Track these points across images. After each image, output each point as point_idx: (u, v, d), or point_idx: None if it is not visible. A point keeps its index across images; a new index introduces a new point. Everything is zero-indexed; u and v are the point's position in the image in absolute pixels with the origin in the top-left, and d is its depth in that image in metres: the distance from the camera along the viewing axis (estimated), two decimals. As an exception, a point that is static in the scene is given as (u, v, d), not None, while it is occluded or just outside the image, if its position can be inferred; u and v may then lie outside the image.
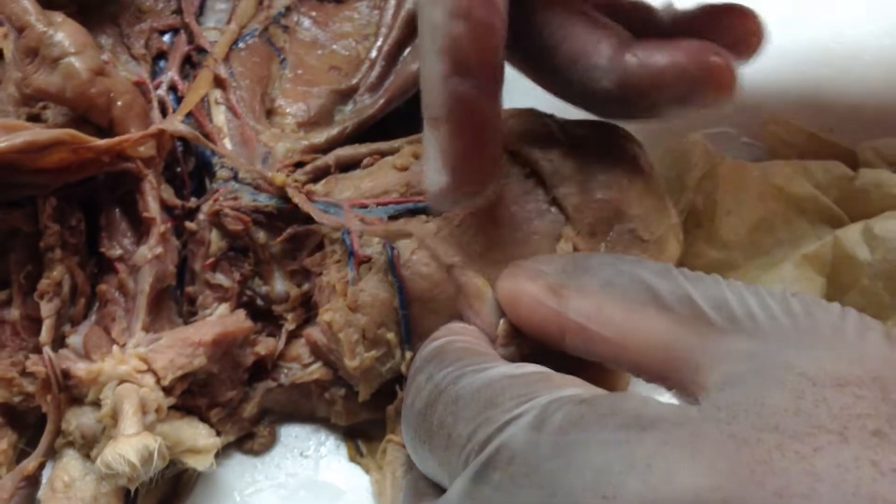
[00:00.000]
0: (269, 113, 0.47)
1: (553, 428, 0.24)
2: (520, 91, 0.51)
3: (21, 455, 0.40)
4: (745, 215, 0.41)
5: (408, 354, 0.38)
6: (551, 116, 0.42)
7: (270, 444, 0.41)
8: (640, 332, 0.28)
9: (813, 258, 0.39)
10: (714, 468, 0.21)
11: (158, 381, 0.37)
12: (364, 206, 0.40)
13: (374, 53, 0.49)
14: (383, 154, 0.44)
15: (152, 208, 0.40)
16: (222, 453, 0.40)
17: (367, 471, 0.40)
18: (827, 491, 0.20)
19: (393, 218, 0.39)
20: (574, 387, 0.27)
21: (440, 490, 0.29)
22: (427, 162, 0.34)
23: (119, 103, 0.41)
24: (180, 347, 0.38)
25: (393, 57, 0.50)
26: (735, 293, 0.27)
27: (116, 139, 0.39)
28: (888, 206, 0.39)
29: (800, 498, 0.20)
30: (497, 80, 0.33)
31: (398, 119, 0.50)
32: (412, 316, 0.38)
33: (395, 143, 0.44)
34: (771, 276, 0.39)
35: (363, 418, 0.41)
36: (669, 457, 0.22)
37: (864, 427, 0.21)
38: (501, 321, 0.33)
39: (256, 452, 0.41)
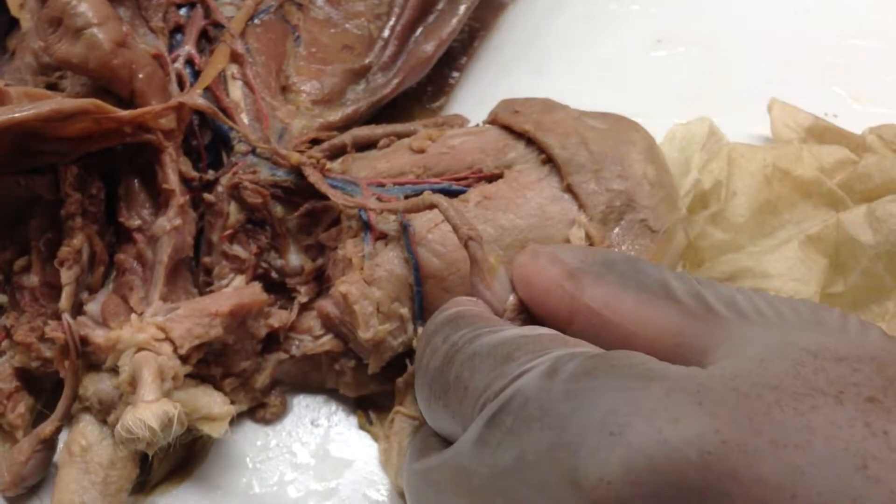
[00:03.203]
0: (284, 90, 0.48)
1: (565, 376, 0.26)
2: (523, 78, 0.53)
3: (38, 418, 0.41)
4: (750, 197, 0.42)
5: (420, 329, 0.39)
6: (567, 107, 0.43)
7: (282, 413, 0.42)
8: (651, 320, 0.29)
9: (816, 240, 0.40)
10: (716, 415, 0.23)
11: (176, 349, 0.38)
12: (381, 185, 0.41)
13: (386, 33, 0.50)
14: (399, 136, 0.44)
15: (172, 180, 0.41)
16: (235, 422, 0.41)
17: (376, 439, 0.41)
18: (820, 444, 0.22)
19: (409, 198, 0.40)
20: (586, 346, 0.28)
21: (449, 445, 0.30)
22: None
23: (140, 75, 0.42)
24: (198, 317, 0.39)
25: (405, 37, 0.50)
26: (744, 294, 0.28)
27: (139, 111, 0.40)
28: (891, 191, 0.40)
29: (794, 448, 0.22)
30: None
31: (408, 98, 0.51)
32: (426, 293, 0.39)
33: (410, 126, 0.45)
34: (775, 257, 0.40)
35: (371, 390, 0.42)
36: (675, 403, 0.23)
37: (859, 394, 0.23)
38: (511, 296, 0.34)
39: (268, 421, 0.42)
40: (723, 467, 0.22)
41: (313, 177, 0.41)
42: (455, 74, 0.53)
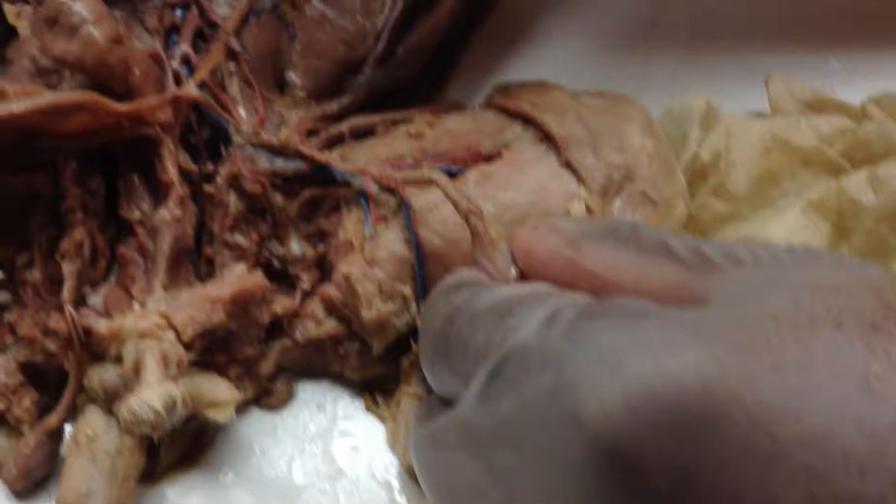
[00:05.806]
0: (280, 85, 0.48)
1: (563, 322, 0.26)
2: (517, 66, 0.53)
3: (43, 413, 0.41)
4: (750, 168, 0.41)
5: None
6: (562, 87, 0.43)
7: (288, 399, 0.42)
8: (651, 278, 0.29)
9: (818, 205, 0.40)
10: (714, 343, 0.22)
11: (179, 336, 0.38)
12: (381, 169, 0.41)
13: (379, 26, 0.50)
14: (396, 122, 0.45)
15: (171, 172, 0.41)
16: (241, 409, 0.41)
17: (382, 421, 0.41)
18: (821, 366, 0.21)
19: (407, 176, 0.40)
20: (583, 297, 0.28)
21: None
22: None
23: (136, 72, 0.42)
24: (200, 304, 0.39)
25: (398, 30, 0.51)
26: (742, 245, 0.28)
27: (136, 103, 0.40)
28: (891, 156, 0.40)
29: (795, 372, 0.21)
30: None
31: (404, 89, 0.52)
32: (427, 272, 0.39)
33: (407, 113, 0.45)
34: (776, 223, 0.40)
35: (376, 372, 0.42)
36: (672, 335, 0.23)
37: (858, 319, 0.22)
38: (512, 269, 0.34)
39: (274, 407, 0.42)
40: (723, 392, 0.21)
41: (308, 149, 0.41)
42: (449, 64, 0.53)
